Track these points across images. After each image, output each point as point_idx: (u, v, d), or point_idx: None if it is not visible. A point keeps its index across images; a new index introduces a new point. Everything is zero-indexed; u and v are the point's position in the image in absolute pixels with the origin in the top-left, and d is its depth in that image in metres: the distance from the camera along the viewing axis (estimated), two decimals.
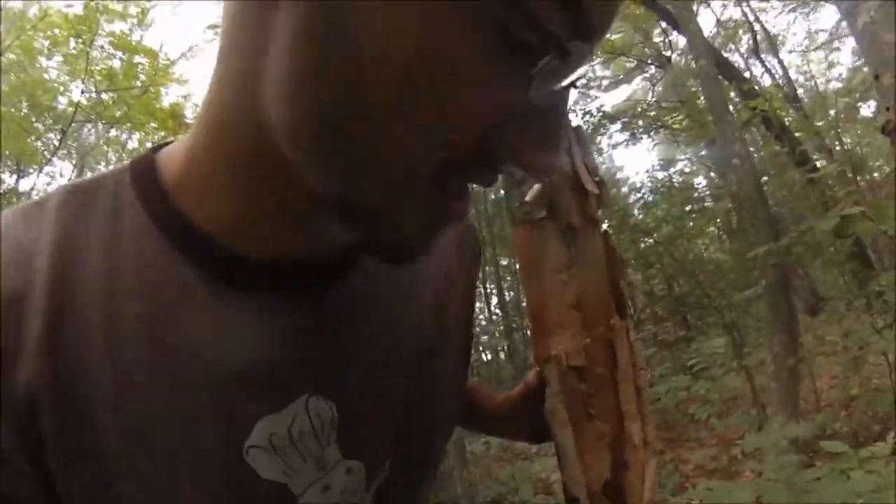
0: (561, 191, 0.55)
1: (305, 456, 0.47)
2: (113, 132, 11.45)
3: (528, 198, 0.54)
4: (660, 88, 12.95)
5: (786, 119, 6.57)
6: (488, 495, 5.44)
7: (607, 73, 13.44)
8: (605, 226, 0.59)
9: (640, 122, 13.04)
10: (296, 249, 0.47)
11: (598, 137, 13.35)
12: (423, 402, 0.55)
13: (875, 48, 1.65)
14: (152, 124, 9.61)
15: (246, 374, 0.44)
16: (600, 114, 11.75)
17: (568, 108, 0.40)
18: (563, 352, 0.54)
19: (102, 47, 8.97)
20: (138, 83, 9.67)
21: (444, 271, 0.59)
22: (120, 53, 9.29)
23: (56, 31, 8.57)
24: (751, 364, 5.81)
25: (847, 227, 2.57)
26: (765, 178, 5.93)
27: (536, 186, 0.53)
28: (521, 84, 0.34)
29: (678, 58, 11.25)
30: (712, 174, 13.70)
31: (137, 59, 9.52)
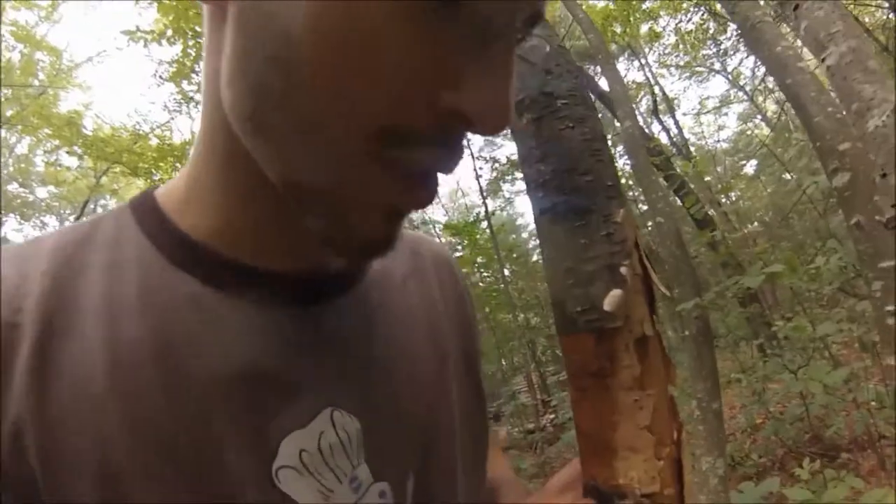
0: (635, 293, 0.48)
1: (340, 475, 0.44)
2: (3, 132, 10.60)
3: (607, 307, 0.47)
4: None
5: (680, 175, 7.07)
6: None
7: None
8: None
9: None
10: (298, 261, 0.47)
11: (503, 185, 13.86)
12: (439, 428, 0.54)
13: (885, 148, 1.78)
14: (46, 130, 8.90)
15: (266, 386, 0.43)
16: (508, 163, 12.19)
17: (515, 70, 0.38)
18: (636, 479, 0.47)
19: (2, 36, 8.30)
20: (36, 82, 9.00)
21: (429, 303, 0.59)
22: (21, 46, 8.62)
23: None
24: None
25: (772, 280, 2.79)
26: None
27: (617, 292, 0.46)
28: (457, 50, 0.34)
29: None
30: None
31: (39, 55, 8.88)
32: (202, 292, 0.43)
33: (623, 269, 0.47)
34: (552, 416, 9.46)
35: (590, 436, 0.50)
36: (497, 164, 12.84)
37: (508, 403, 10.22)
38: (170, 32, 6.96)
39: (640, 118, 12.04)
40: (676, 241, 3.47)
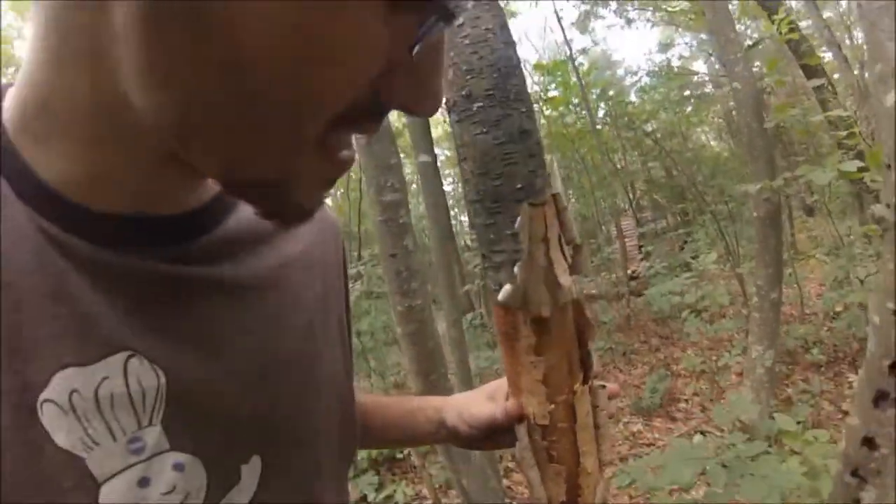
0: (536, 283, 0.58)
1: (115, 430, 0.40)
2: None
3: (501, 298, 0.58)
4: None
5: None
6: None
7: None
8: (577, 293, 0.64)
9: (635, 5, 12.49)
10: (149, 208, 0.44)
11: (591, 24, 12.86)
12: (296, 410, 0.52)
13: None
14: None
15: (61, 313, 0.39)
16: None
17: (445, 47, 0.40)
18: (532, 413, 0.62)
19: None
20: None
21: (307, 250, 0.58)
22: None
23: None
24: (742, 272, 5.93)
25: (845, 176, 2.53)
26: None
27: (508, 286, 0.57)
28: (406, 40, 0.34)
29: None
30: (712, 59, 13.27)
31: None
32: (31, 220, 0.41)
33: (515, 269, 0.57)
34: (647, 263, 9.31)
35: (508, 379, 0.65)
36: (581, 2, 11.97)
37: (597, 254, 10.22)
38: None
39: None
40: (753, 110, 3.14)
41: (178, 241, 0.46)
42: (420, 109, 0.38)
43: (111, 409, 0.40)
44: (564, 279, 0.59)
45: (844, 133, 2.91)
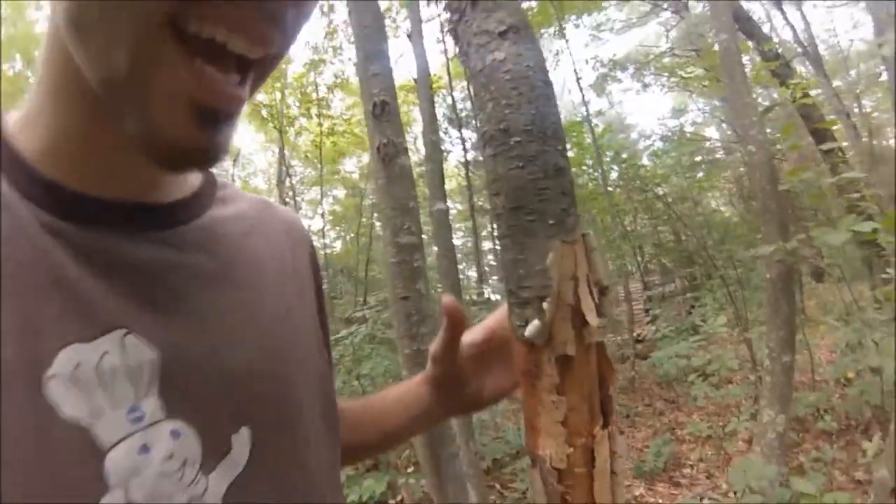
0: (562, 320, 0.58)
1: (116, 401, 0.43)
2: None
3: (528, 333, 0.57)
4: (674, 34, 12.58)
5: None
6: (495, 454, 5.57)
7: (620, 15, 13.14)
8: (601, 336, 0.62)
9: (651, 70, 12.78)
10: (126, 189, 0.50)
11: (608, 87, 13.15)
12: (285, 384, 0.56)
13: None
14: None
15: (60, 297, 0.43)
16: (611, 62, 11.56)
17: None
18: (549, 455, 0.59)
19: None
20: None
21: (280, 253, 0.64)
22: None
23: None
24: (752, 337, 5.87)
25: (858, 236, 2.53)
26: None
27: (537, 323, 0.57)
28: None
29: (695, 2, 10.89)
30: (724, 125, 13.48)
31: None
32: (20, 204, 0.45)
33: (545, 305, 0.57)
34: (654, 327, 9.28)
35: (526, 417, 0.63)
36: (601, 65, 12.28)
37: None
38: None
39: (761, 7, 10.89)
40: (767, 173, 3.20)
41: (159, 228, 0.51)
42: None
43: (112, 381, 0.43)
44: (591, 318, 0.58)
45: (857, 195, 2.94)
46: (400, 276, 2.27)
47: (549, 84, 0.60)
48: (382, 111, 2.34)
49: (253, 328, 0.55)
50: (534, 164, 0.58)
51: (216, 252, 0.56)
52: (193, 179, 0.60)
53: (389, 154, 2.31)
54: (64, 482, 0.40)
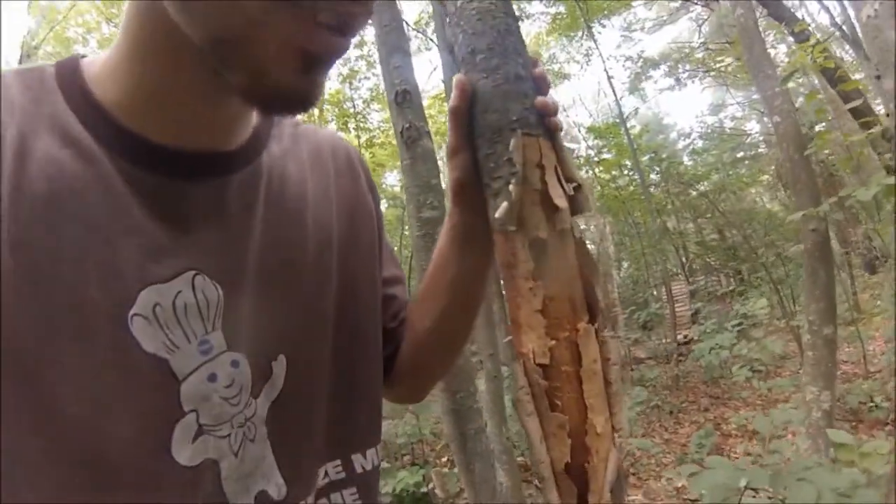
0: (531, 205, 0.60)
1: (189, 335, 0.49)
2: None
3: (497, 214, 0.60)
4: (706, 28, 12.34)
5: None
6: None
7: (650, 14, 12.98)
8: (579, 233, 0.64)
9: (686, 66, 12.53)
10: (201, 138, 0.53)
11: (642, 84, 12.96)
12: (311, 311, 0.60)
13: (877, 44, 1.55)
14: None
15: (137, 240, 0.47)
16: (641, 60, 11.42)
17: None
18: (531, 350, 0.60)
19: None
20: None
21: (322, 191, 0.66)
22: None
23: (87, 17, 9.01)
24: (798, 324, 5.69)
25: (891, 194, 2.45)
26: (818, 126, 5.64)
27: (505, 204, 0.59)
28: None
29: None
30: (765, 119, 13.14)
31: None
32: (101, 153, 0.48)
33: (511, 187, 0.59)
34: (701, 326, 9.01)
35: (510, 313, 0.63)
36: (632, 62, 12.14)
37: (642, 311, 9.96)
38: None
39: None
40: (796, 142, 3.14)
41: (222, 174, 0.55)
42: None
43: (186, 317, 0.48)
44: (560, 202, 0.60)
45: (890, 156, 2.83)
46: (424, 248, 2.36)
47: (509, 15, 0.65)
48: (404, 99, 2.46)
49: (294, 268, 0.59)
50: (496, 74, 0.63)
51: (268, 193, 0.59)
52: (252, 121, 0.62)
53: (412, 136, 2.44)
54: (149, 409, 0.46)
